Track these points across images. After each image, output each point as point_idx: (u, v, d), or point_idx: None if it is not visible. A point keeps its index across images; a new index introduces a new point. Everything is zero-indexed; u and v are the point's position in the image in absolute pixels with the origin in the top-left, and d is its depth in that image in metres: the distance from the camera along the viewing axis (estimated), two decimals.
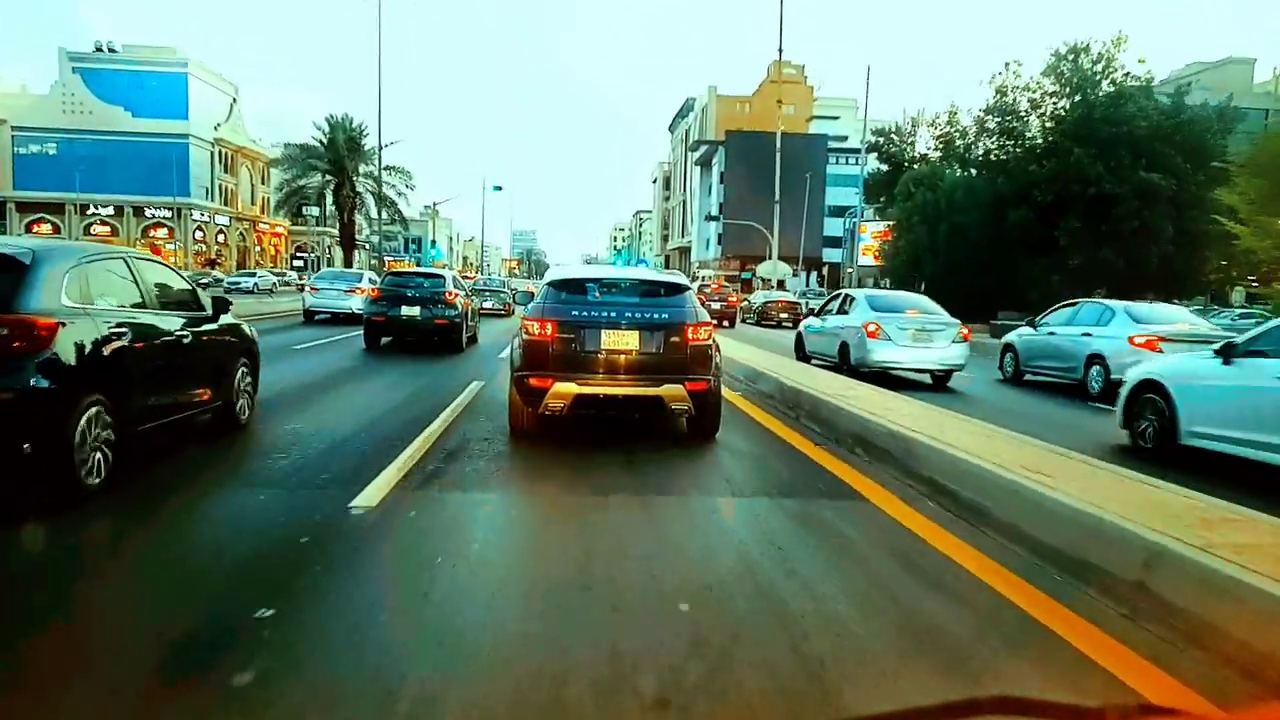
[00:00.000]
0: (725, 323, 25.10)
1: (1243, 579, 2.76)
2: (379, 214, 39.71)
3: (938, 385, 11.89)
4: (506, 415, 6.75)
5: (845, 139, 71.21)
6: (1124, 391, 7.25)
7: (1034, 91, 36.46)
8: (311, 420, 7.10)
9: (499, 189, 75.14)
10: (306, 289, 22.31)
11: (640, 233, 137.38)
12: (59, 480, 4.00)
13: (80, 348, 4.19)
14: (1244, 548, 3.09)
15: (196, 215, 65.94)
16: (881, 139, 45.66)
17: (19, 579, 3.30)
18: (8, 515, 3.90)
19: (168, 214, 64.36)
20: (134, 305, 5.03)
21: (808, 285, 52.14)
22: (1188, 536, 3.24)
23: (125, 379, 4.65)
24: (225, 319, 6.34)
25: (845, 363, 12.14)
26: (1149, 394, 6.87)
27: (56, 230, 63.22)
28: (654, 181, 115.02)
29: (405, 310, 14.02)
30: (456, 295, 14.74)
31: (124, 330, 4.66)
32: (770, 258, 37.40)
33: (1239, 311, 29.00)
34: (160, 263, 6.19)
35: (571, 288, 6.56)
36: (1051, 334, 12.19)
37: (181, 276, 6.26)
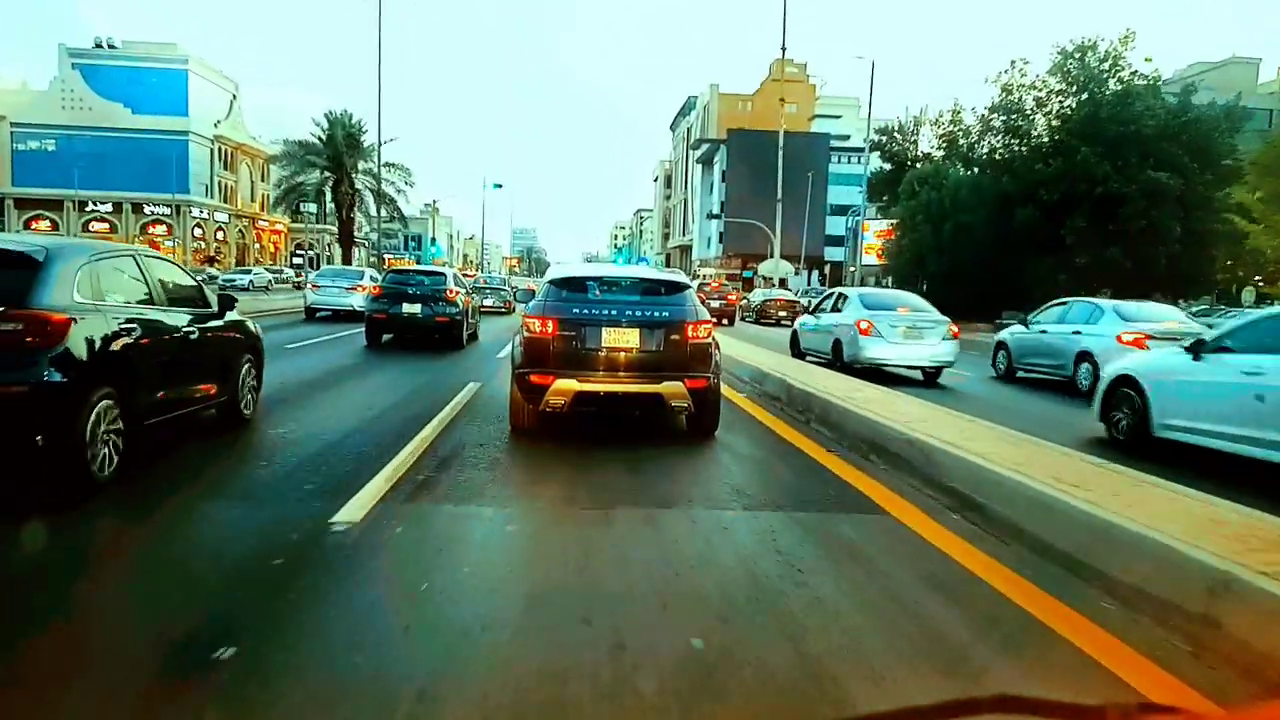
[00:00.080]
0: (725, 321, 25.34)
1: None
2: (378, 211, 39.35)
3: (929, 381, 12.01)
4: (503, 418, 6.66)
5: (848, 138, 70.84)
6: (1101, 386, 7.56)
7: (1040, 90, 36.12)
8: (300, 422, 6.83)
9: (499, 186, 74.82)
10: (308, 286, 22.40)
11: (641, 231, 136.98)
12: (70, 472, 4.09)
13: (91, 343, 4.27)
14: None
15: (196, 212, 65.54)
16: (884, 137, 45.28)
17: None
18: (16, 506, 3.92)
19: (167, 211, 64.01)
20: (143, 302, 5.13)
21: (809, 284, 51.77)
22: (1253, 562, 2.91)
23: (135, 374, 4.72)
24: (231, 316, 6.41)
25: (838, 359, 12.36)
26: (1124, 388, 7.15)
27: (55, 227, 62.84)
28: (655, 180, 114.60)
29: (407, 307, 14.05)
30: (457, 293, 14.84)
31: (133, 326, 4.75)
32: (772, 256, 37.06)
33: (1249, 311, 28.66)
34: (168, 260, 6.21)
35: (572, 286, 6.51)
36: (1043, 332, 12.34)
37: (188, 274, 6.30)
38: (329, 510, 4.10)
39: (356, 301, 18.90)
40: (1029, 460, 4.77)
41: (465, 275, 24.99)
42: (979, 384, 12.62)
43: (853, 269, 43.12)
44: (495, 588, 3.25)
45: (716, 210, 68.87)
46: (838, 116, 76.78)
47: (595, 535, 3.99)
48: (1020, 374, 12.81)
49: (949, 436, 5.43)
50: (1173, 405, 6.59)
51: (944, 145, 41.93)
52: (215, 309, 6.15)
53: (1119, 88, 33.64)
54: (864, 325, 11.84)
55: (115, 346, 4.49)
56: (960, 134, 40.75)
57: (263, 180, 73.45)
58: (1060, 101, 35.66)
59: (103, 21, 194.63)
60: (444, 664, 2.59)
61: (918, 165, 41.97)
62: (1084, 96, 34.15)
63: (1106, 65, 34.24)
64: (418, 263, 60.98)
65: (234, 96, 73.17)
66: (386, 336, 14.36)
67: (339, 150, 41.00)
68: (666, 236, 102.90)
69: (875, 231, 46.68)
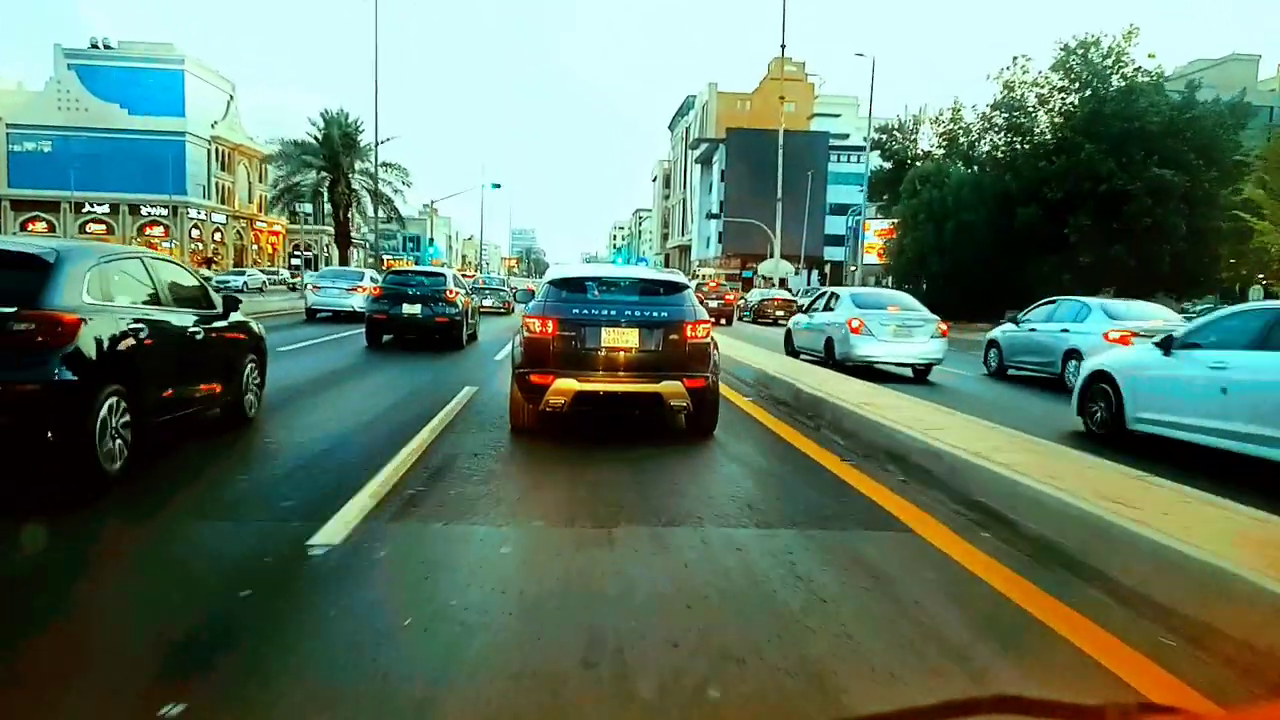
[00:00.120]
0: (722, 320, 25.66)
1: None
2: (375, 211, 38.95)
3: (919, 379, 12.23)
4: (499, 425, 6.59)
5: (847, 137, 70.51)
6: (1078, 382, 7.84)
7: (1043, 87, 35.75)
8: (287, 429, 6.57)
9: (497, 186, 74.02)
10: (309, 288, 22.55)
11: (640, 231, 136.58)
12: (80, 468, 4.20)
13: (101, 343, 4.38)
14: None
15: (193, 214, 65.09)
16: (884, 136, 44.89)
17: None
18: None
19: (163, 212, 63.58)
20: (150, 303, 5.24)
21: (809, 284, 51.39)
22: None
23: (143, 373, 4.82)
24: (235, 316, 6.50)
25: (831, 357, 12.62)
26: (1100, 384, 7.38)
27: (51, 229, 62.43)
28: (654, 180, 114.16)
29: (407, 308, 14.07)
30: (457, 293, 14.92)
31: (141, 326, 4.86)
32: (771, 256, 36.71)
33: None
34: (173, 262, 6.31)
35: (572, 286, 6.51)
36: (1033, 330, 12.51)
37: (194, 275, 6.37)
38: (308, 530, 3.77)
39: (357, 302, 19.05)
40: (1063, 473, 4.43)
41: (464, 276, 24.78)
42: (971, 382, 12.74)
43: (853, 269, 42.78)
44: (487, 622, 2.91)
45: (715, 210, 68.52)
46: (837, 115, 76.44)
47: (597, 559, 3.65)
48: (1011, 371, 12.97)
49: (974, 446, 5.09)
50: (1145, 399, 6.82)
51: (944, 143, 41.56)
52: (220, 310, 6.24)
53: (1122, 84, 33.28)
54: (855, 324, 12.08)
55: (124, 346, 4.61)
56: (960, 132, 40.39)
57: (260, 181, 72.97)
58: (1063, 98, 35.28)
59: (103, 21, 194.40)
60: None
61: (917, 164, 41.59)
62: (1087, 93, 33.80)
63: (1110, 61, 33.87)
64: (416, 263, 60.65)
65: (231, 97, 72.71)
66: (387, 337, 14.30)
67: (335, 150, 40.55)
68: (665, 236, 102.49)
69: (876, 231, 46.31)
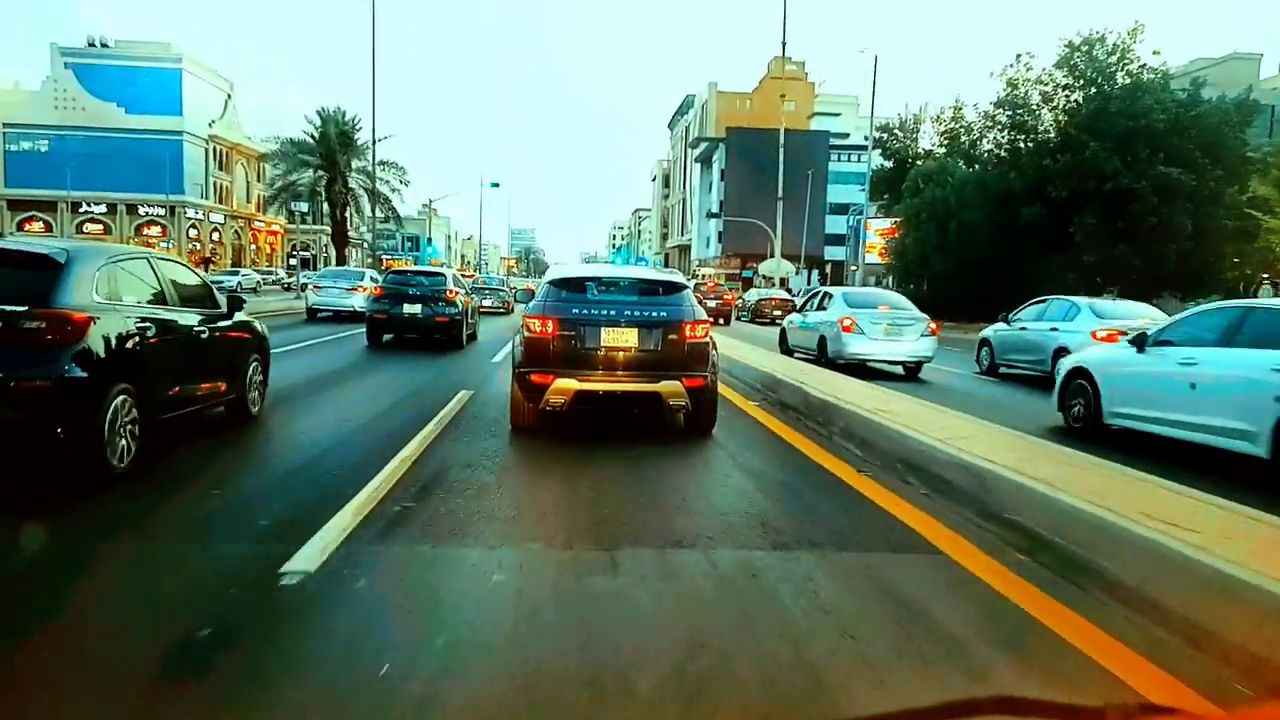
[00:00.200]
0: (721, 320, 25.88)
1: None
2: (373, 211, 38.58)
3: (910, 376, 12.41)
4: (495, 432, 6.51)
5: (847, 136, 70.22)
6: (1058, 378, 8.00)
7: (1047, 84, 35.36)
8: (269, 436, 6.24)
9: (496, 185, 73.78)
10: (309, 288, 22.57)
11: (639, 231, 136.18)
12: (89, 464, 4.29)
13: (109, 341, 4.48)
14: None
15: (190, 213, 64.66)
16: (885, 135, 44.53)
17: None
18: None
19: (161, 212, 63.21)
20: (156, 302, 5.32)
21: (810, 284, 51.06)
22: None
23: (149, 370, 4.90)
24: (239, 316, 6.57)
25: (823, 355, 12.87)
26: (1079, 380, 7.56)
27: (48, 229, 62.08)
28: (653, 179, 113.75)
29: (407, 308, 14.09)
30: (457, 293, 14.95)
31: (148, 325, 4.97)
32: (772, 255, 36.38)
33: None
34: (179, 262, 6.38)
35: (572, 286, 6.49)
36: (1023, 329, 12.68)
37: (199, 275, 6.43)
38: (282, 554, 3.43)
39: (357, 302, 19.19)
40: (1107, 491, 4.09)
41: (463, 276, 24.55)
42: (964, 379, 12.91)
43: (854, 268, 42.44)
44: (477, 668, 2.56)
45: (715, 209, 68.16)
46: (837, 115, 76.14)
47: (599, 588, 3.31)
48: (1003, 369, 13.12)
49: (1003, 459, 4.75)
50: (1120, 395, 7.02)
51: (945, 142, 41.18)
52: (224, 309, 6.32)
53: (1127, 81, 32.88)
54: (847, 322, 12.36)
55: (131, 345, 4.71)
56: (962, 130, 40.01)
57: (258, 181, 72.54)
58: (1067, 95, 34.86)
59: (102, 20, 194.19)
60: None
61: (919, 163, 41.21)
62: (1092, 90, 33.37)
63: (1115, 58, 33.46)
64: (415, 263, 60.27)
65: (229, 96, 72.30)
66: (387, 336, 14.28)
67: (332, 148, 40.09)
68: (665, 236, 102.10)
69: (878, 230, 45.92)
